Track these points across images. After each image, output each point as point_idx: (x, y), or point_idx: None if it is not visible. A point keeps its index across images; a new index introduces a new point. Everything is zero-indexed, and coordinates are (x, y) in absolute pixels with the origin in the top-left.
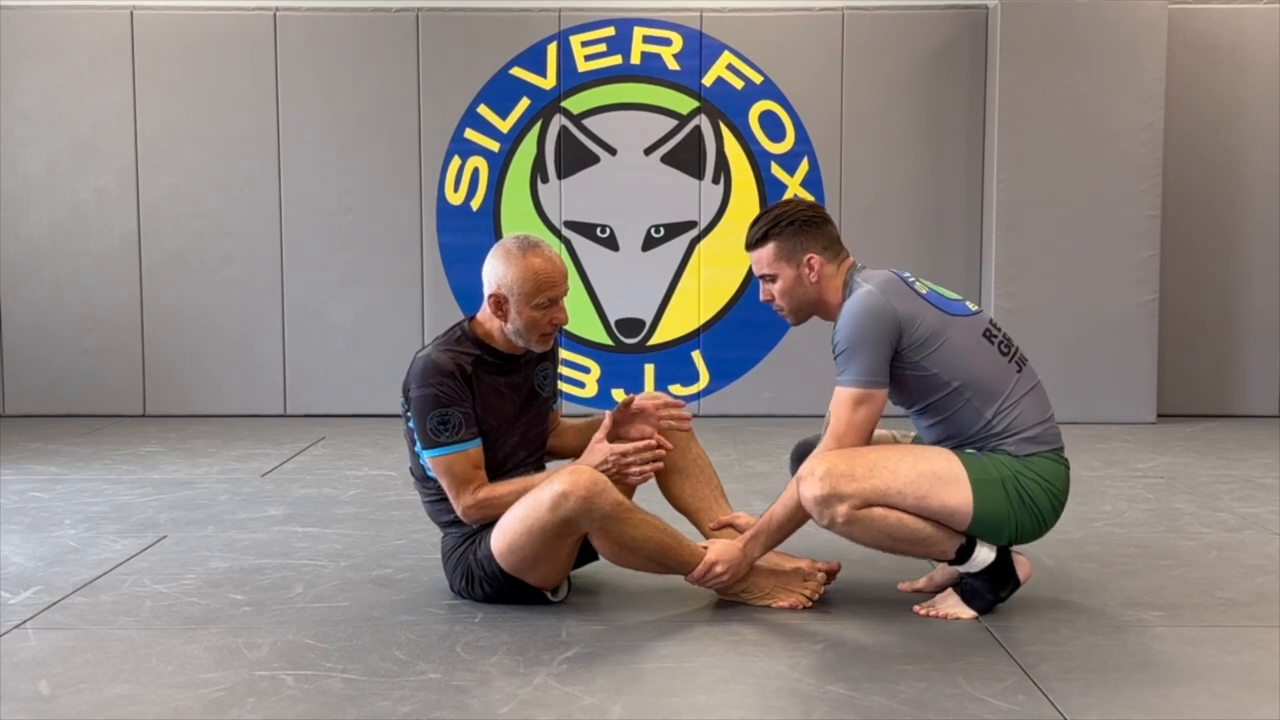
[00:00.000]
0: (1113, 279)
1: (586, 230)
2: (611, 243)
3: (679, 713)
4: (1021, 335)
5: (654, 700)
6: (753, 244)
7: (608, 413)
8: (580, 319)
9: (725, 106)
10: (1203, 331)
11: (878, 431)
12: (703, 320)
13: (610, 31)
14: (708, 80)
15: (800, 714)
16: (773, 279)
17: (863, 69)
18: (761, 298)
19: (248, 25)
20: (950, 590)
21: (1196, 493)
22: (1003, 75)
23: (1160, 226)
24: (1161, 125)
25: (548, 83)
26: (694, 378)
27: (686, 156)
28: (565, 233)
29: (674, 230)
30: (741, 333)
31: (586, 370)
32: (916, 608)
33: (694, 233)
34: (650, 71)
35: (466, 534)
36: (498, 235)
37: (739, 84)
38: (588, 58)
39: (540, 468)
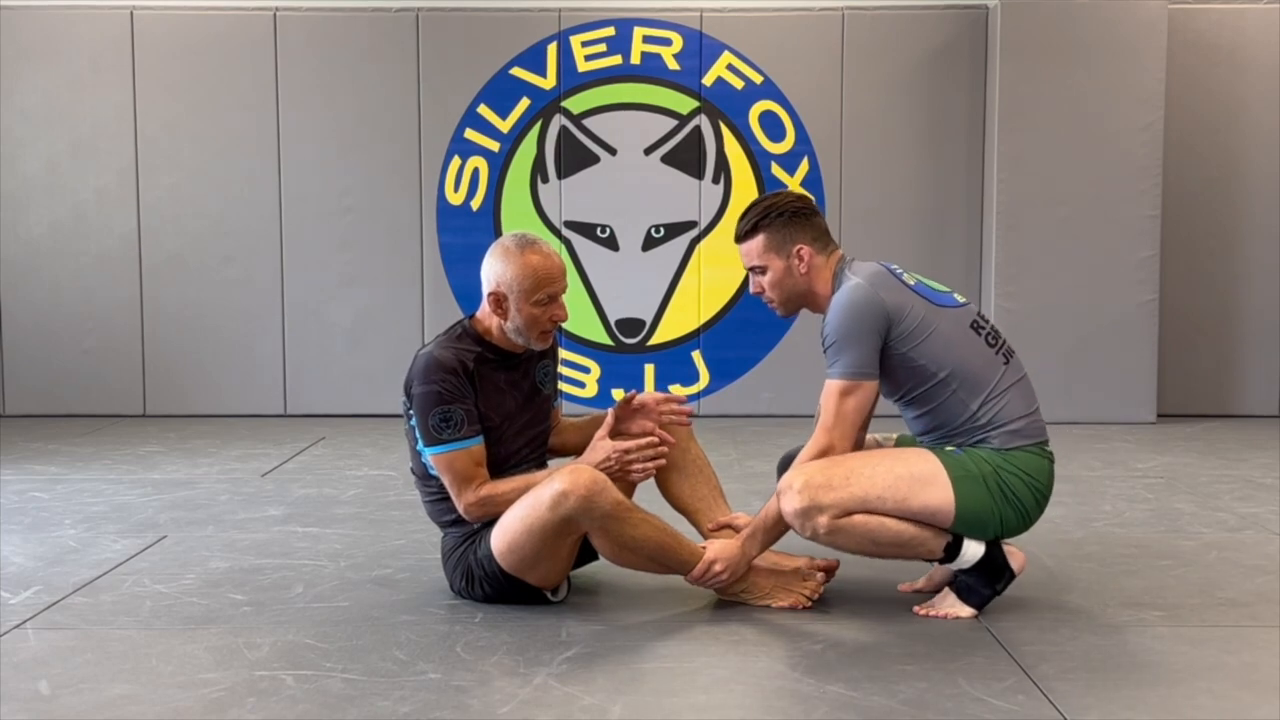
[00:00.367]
0: (1113, 279)
1: (586, 230)
2: (611, 243)
3: (679, 713)
4: (1021, 335)
5: (654, 700)
6: (742, 236)
7: (610, 410)
8: (580, 319)
9: (725, 106)
10: (1203, 331)
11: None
12: (703, 320)
13: (610, 31)
14: (708, 80)
15: (800, 714)
16: (762, 271)
17: (863, 69)
18: (751, 290)
19: (248, 25)
20: (948, 589)
21: (1196, 493)
22: (1003, 75)
23: (1160, 226)
24: (1161, 125)
25: (548, 83)
26: (694, 378)
27: (686, 156)
28: (565, 233)
29: (674, 230)
30: (741, 333)
31: (587, 370)
32: (916, 608)
33: (694, 233)
34: (650, 71)
35: (466, 534)
36: (498, 235)
37: (739, 84)
38: (588, 58)
39: (542, 465)
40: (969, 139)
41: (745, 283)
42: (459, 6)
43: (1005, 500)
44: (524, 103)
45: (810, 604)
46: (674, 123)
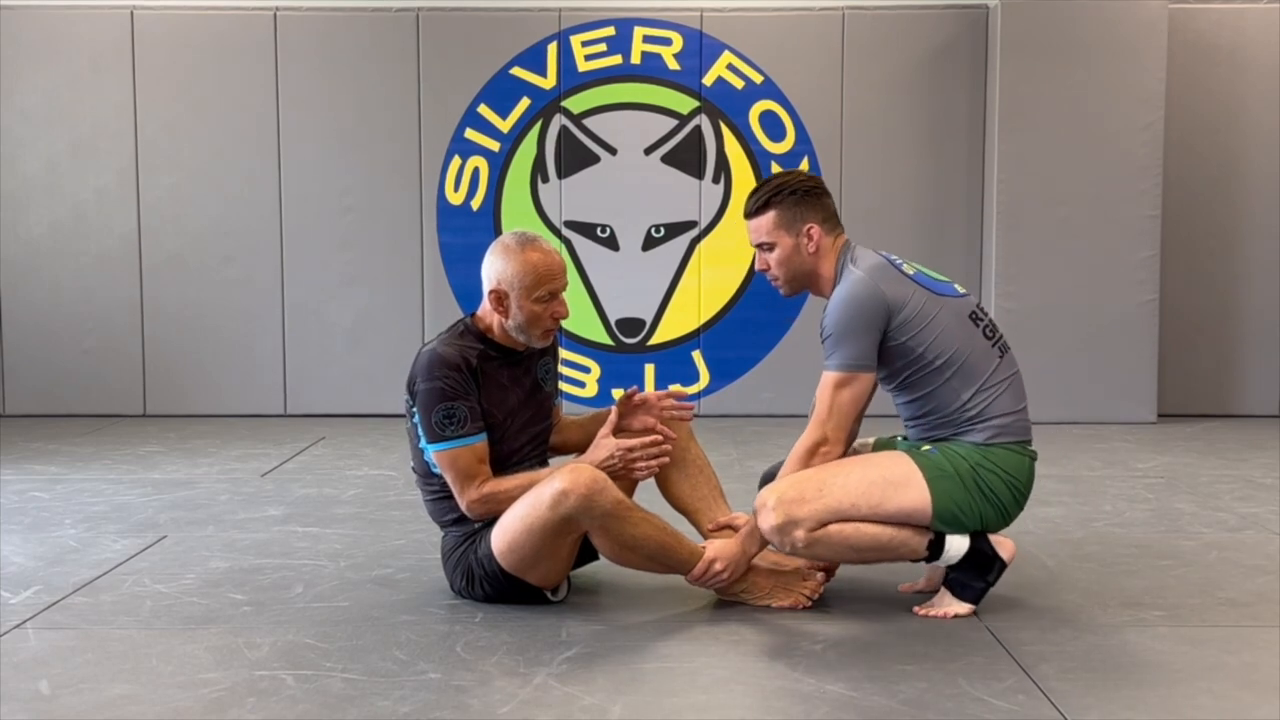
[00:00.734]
0: (1113, 279)
1: (587, 230)
2: (612, 242)
3: (679, 713)
4: (1022, 335)
5: (654, 700)
6: (753, 212)
7: (613, 408)
8: (580, 319)
9: (725, 106)
10: (1203, 331)
11: None
12: (703, 320)
13: (610, 31)
14: (708, 80)
15: (800, 714)
16: (770, 248)
17: (863, 69)
18: (757, 266)
19: (248, 25)
20: (943, 588)
21: (1197, 493)
22: (1003, 75)
23: (1160, 226)
24: (1162, 125)
25: (548, 82)
26: (694, 377)
27: (687, 156)
28: (565, 232)
29: (674, 230)
30: (742, 332)
31: (587, 370)
32: (916, 609)
33: (694, 232)
34: (650, 71)
35: (467, 533)
36: (498, 235)
37: (739, 84)
38: (588, 57)
39: (544, 463)
40: (969, 138)
41: (746, 282)
42: (459, 6)
43: (984, 498)
44: (524, 102)
45: (810, 604)
46: (674, 122)
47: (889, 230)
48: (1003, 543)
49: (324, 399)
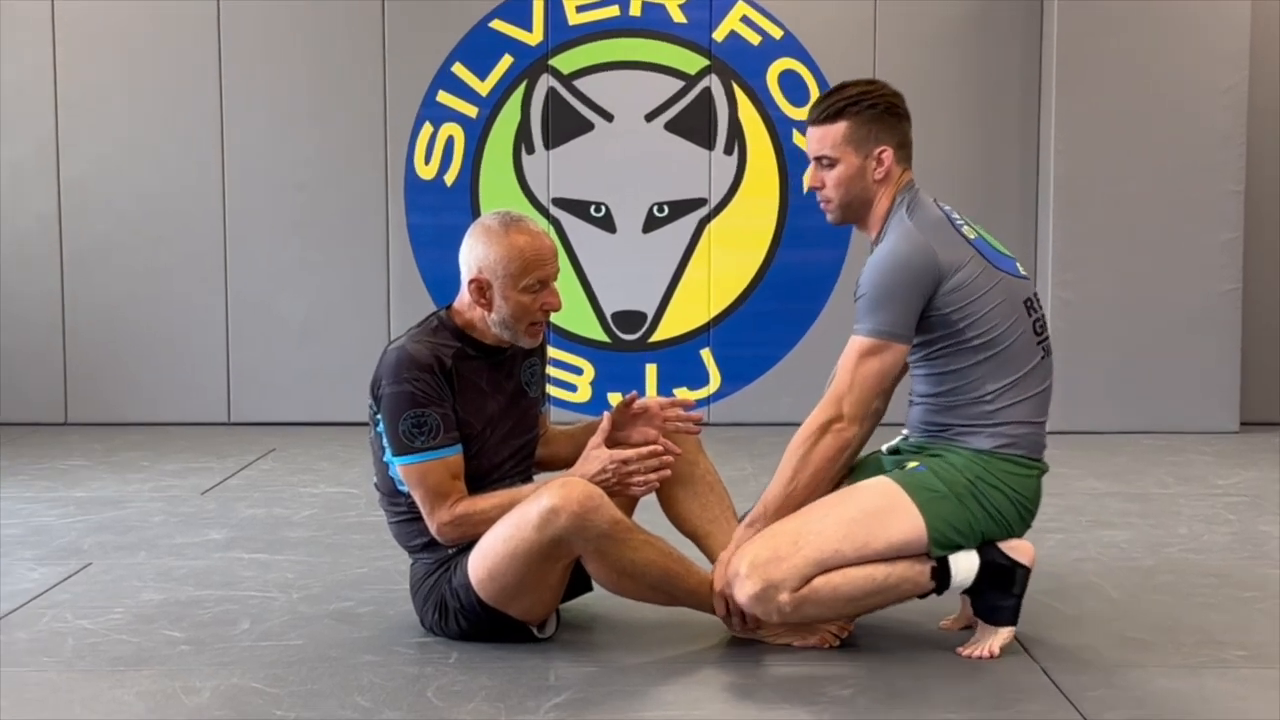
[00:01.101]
0: (1189, 265)
1: (579, 209)
2: (608, 223)
3: None
4: (1082, 331)
5: None
6: (821, 118)
7: (606, 414)
8: (572, 312)
9: (739, 65)
10: None
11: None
12: (713, 314)
13: None
14: (719, 35)
15: None
16: (832, 164)
17: (898, 20)
18: (808, 182)
19: None
20: (977, 620)
21: None
22: (1061, 27)
23: (1243, 204)
24: (1245, 88)
25: (533, 38)
26: (703, 380)
27: (694, 123)
28: (554, 211)
29: (680, 209)
30: (758, 328)
31: (578, 371)
32: (960, 649)
33: (703, 211)
34: (652, 25)
35: (440, 560)
36: (476, 214)
37: (755, 39)
38: (580, 9)
39: (528, 479)
40: (1022, 101)
41: (762, 270)
42: None
43: (986, 514)
44: (506, 61)
45: (838, 642)
46: (680, 84)
47: None
48: (1016, 546)
49: (273, 405)
